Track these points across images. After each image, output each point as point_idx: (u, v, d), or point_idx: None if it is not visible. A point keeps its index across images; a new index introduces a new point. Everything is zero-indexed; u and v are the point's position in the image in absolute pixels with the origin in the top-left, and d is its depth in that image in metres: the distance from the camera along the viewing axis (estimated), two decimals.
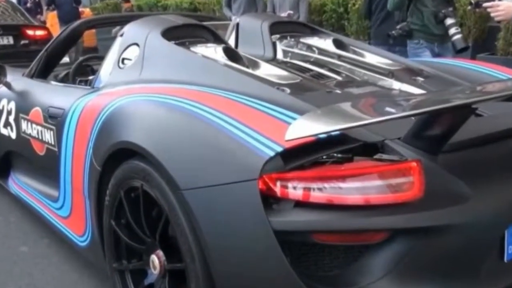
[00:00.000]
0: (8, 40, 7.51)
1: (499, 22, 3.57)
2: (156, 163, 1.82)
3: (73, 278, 2.65)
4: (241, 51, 2.62)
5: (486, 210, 1.64)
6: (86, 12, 11.20)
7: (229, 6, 6.76)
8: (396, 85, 2.36)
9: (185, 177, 1.74)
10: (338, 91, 2.20)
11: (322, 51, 2.78)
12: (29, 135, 2.94)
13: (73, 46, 4.11)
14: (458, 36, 3.83)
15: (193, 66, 2.34)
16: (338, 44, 2.83)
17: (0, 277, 2.69)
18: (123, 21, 3.16)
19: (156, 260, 1.95)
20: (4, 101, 3.25)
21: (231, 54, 2.45)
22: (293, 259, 1.60)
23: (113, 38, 2.79)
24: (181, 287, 1.85)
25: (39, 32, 7.83)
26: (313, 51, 2.80)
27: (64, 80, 3.33)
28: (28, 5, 10.33)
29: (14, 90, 3.18)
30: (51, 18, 9.66)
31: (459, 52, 3.86)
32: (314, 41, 2.89)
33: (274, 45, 2.83)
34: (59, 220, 2.68)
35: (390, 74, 2.44)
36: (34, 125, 2.87)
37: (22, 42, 7.57)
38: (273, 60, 2.72)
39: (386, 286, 1.57)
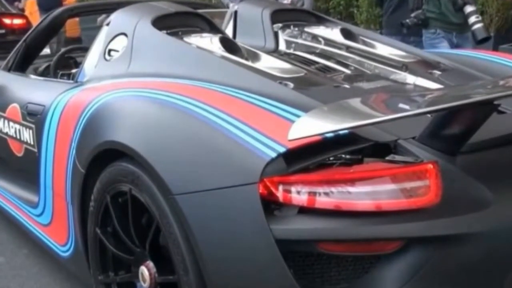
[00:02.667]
0: None
1: None
2: (146, 165, 1.82)
3: None
4: (239, 41, 2.62)
5: (509, 217, 1.64)
6: None
7: None
8: (411, 79, 2.36)
9: (178, 181, 1.74)
10: (347, 86, 2.20)
11: (328, 42, 2.78)
12: (6, 134, 2.94)
13: (55, 36, 4.10)
14: (479, 25, 3.82)
15: (187, 58, 2.34)
16: (346, 34, 2.83)
17: None
18: (110, 8, 3.16)
19: (146, 272, 1.95)
20: None
21: (229, 45, 2.45)
22: (297, 270, 1.60)
23: (99, 28, 2.79)
24: None
25: (17, 21, 7.83)
26: (319, 42, 2.80)
27: (44, 73, 3.33)
28: None
29: None
30: (30, 5, 9.65)
31: (480, 43, 3.87)
32: (320, 30, 2.89)
33: (276, 35, 2.83)
34: (39, 228, 2.68)
35: (404, 67, 2.44)
36: (11, 123, 2.87)
37: None
38: (275, 52, 2.72)
39: None
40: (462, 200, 1.61)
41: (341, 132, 1.59)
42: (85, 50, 2.97)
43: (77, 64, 3.21)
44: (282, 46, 2.81)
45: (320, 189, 1.55)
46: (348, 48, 2.72)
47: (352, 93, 2.03)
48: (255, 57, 2.44)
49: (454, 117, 1.62)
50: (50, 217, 2.56)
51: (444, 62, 2.59)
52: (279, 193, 1.57)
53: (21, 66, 3.26)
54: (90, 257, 2.20)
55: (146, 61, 2.41)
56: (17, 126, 2.80)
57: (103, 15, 4.10)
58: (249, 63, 2.34)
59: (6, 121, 2.93)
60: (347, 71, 2.46)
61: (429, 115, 1.68)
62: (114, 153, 1.98)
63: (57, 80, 2.98)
